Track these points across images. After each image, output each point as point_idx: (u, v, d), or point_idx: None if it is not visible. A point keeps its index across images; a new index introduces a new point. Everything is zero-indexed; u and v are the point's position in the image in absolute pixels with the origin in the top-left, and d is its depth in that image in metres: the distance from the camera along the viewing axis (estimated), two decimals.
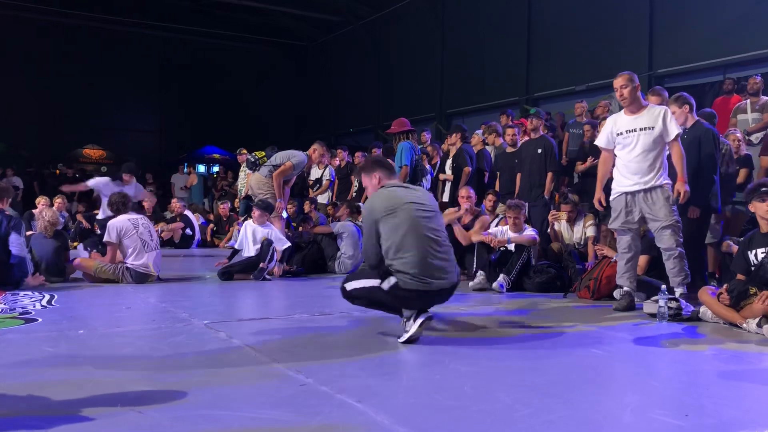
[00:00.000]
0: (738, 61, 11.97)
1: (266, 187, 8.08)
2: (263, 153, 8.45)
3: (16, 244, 5.91)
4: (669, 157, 5.25)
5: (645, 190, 5.16)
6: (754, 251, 4.70)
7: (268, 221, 7.36)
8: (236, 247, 7.24)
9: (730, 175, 6.54)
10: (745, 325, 4.40)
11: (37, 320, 4.50)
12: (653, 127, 5.13)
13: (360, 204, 10.23)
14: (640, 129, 5.17)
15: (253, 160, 8.50)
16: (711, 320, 4.72)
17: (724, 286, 4.73)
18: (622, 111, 5.38)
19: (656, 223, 5.15)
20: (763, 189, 4.74)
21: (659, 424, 2.51)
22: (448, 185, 9.23)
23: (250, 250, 7.17)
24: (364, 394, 2.76)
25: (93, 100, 23.52)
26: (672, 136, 5.14)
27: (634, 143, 5.19)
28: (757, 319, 4.30)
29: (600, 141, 5.54)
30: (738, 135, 7.31)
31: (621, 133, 5.27)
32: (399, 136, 8.03)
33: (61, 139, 22.25)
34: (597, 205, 5.54)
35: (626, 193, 5.26)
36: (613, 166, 5.46)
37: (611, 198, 5.41)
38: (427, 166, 9.08)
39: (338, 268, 7.92)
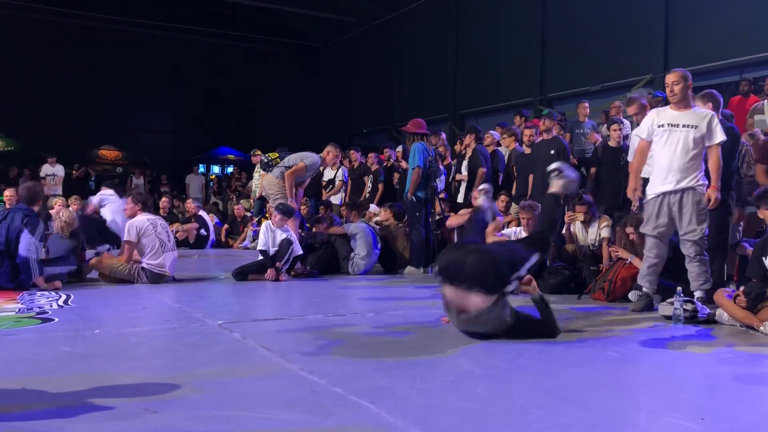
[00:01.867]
0: (754, 61, 11.86)
1: (277, 188, 8.11)
2: (276, 154, 8.45)
3: (24, 243, 5.91)
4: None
5: (678, 191, 5.07)
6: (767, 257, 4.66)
7: (286, 225, 7.35)
8: (262, 248, 7.18)
9: (749, 177, 6.47)
10: (762, 328, 4.35)
11: (54, 320, 4.54)
12: (697, 127, 5.05)
13: (373, 205, 10.27)
14: (683, 126, 5.07)
15: (266, 161, 8.51)
16: (727, 323, 4.68)
17: (741, 288, 4.68)
18: (668, 106, 5.28)
19: (682, 230, 5.09)
20: None
21: (675, 427, 2.49)
22: (462, 186, 9.21)
23: (269, 252, 7.17)
24: (378, 396, 2.76)
25: (108, 100, 23.71)
26: (715, 140, 5.05)
27: (674, 138, 5.09)
28: None
29: (641, 131, 5.40)
30: (761, 136, 7.21)
31: (662, 125, 5.15)
32: (413, 137, 8.04)
33: (78, 140, 22.44)
34: (631, 195, 5.40)
35: (658, 196, 5.15)
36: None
37: (644, 201, 5.32)
38: (441, 167, 9.07)
39: (351, 269, 7.92)
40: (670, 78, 5.17)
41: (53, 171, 15.27)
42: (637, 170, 5.42)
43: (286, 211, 7.34)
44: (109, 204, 10.54)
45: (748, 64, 11.97)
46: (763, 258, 4.67)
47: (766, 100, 8.66)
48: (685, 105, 5.16)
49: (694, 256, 5.07)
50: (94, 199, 10.87)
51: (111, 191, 11.04)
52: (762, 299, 4.46)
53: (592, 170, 8.18)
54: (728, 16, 12.30)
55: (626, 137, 7.88)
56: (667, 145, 5.12)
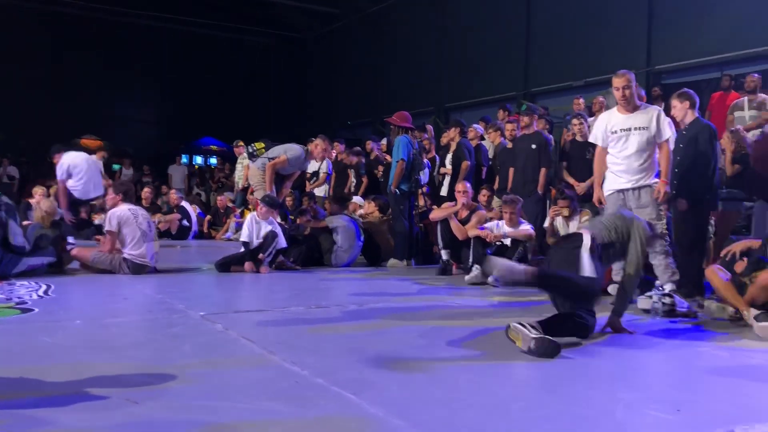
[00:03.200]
0: (736, 58, 11.98)
1: (259, 178, 8.07)
2: (262, 145, 8.37)
3: (20, 232, 5.92)
4: None
5: (635, 188, 5.25)
6: None
7: (272, 216, 7.32)
8: (245, 239, 7.17)
9: (723, 173, 6.56)
10: (745, 312, 4.43)
11: (34, 310, 4.51)
12: (647, 127, 5.21)
13: (357, 197, 10.27)
14: (635, 128, 5.24)
15: (251, 150, 8.45)
16: (715, 313, 4.71)
17: (744, 259, 4.79)
18: (616, 108, 5.43)
19: None
20: None
21: (651, 419, 2.54)
22: (446, 179, 9.24)
23: (253, 244, 7.15)
24: (360, 387, 2.78)
25: (91, 90, 23.39)
26: (664, 137, 5.23)
27: (627, 142, 5.26)
28: (756, 312, 4.33)
29: (596, 138, 5.56)
30: (744, 133, 7.26)
31: (615, 132, 5.32)
32: (398, 129, 8.04)
33: (59, 129, 22.13)
34: (597, 204, 5.59)
35: (618, 191, 5.34)
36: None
37: (606, 197, 5.46)
38: (425, 160, 9.09)
39: (334, 261, 7.93)
40: (618, 82, 5.24)
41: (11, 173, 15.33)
42: (599, 177, 5.57)
43: (271, 203, 7.32)
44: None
45: (729, 61, 12.09)
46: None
47: (746, 97, 8.75)
48: (634, 106, 5.30)
49: (657, 249, 5.18)
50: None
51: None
52: (760, 267, 4.57)
53: (563, 164, 8.25)
54: (711, 14, 12.41)
55: None
56: (623, 149, 5.28)
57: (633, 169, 5.25)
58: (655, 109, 5.33)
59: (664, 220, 5.30)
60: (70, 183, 9.35)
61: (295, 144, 8.35)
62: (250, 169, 8.26)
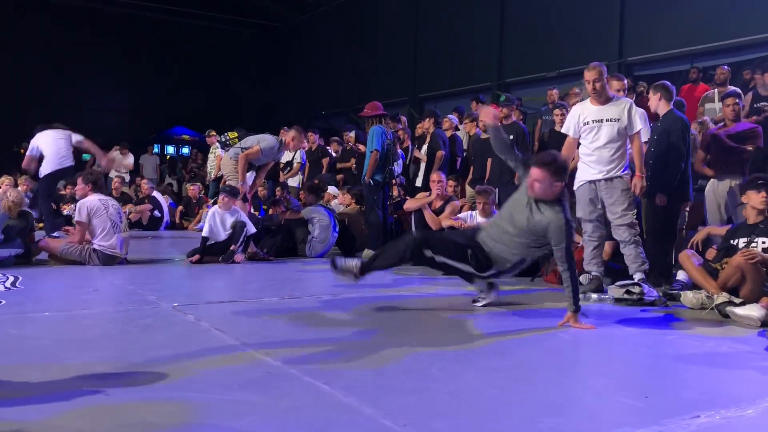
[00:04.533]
0: (706, 50, 12.15)
1: (231, 168, 7.96)
2: (236, 134, 8.24)
3: None
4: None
5: (606, 179, 5.31)
6: (737, 240, 4.92)
7: (234, 206, 7.26)
8: (205, 234, 7.09)
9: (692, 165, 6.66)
10: (716, 296, 4.53)
11: (1, 302, 4.42)
12: (618, 119, 5.27)
13: (332, 187, 10.24)
14: (606, 120, 5.30)
15: (224, 140, 8.33)
16: (692, 301, 4.78)
17: (714, 246, 4.95)
18: (588, 100, 5.49)
19: (613, 216, 5.31)
20: (761, 181, 4.89)
21: (619, 405, 2.58)
22: (421, 170, 9.25)
23: (220, 236, 7.07)
24: (332, 377, 2.78)
25: (60, 77, 22.96)
26: (635, 129, 5.30)
27: (599, 133, 5.32)
28: (725, 298, 4.43)
29: (567, 129, 5.61)
30: (710, 124, 7.40)
31: (588, 123, 5.38)
32: (371, 120, 8.01)
33: (27, 118, 21.69)
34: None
35: (589, 182, 5.40)
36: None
37: (575, 187, 5.54)
38: (399, 151, 9.08)
39: (309, 252, 7.90)
40: (590, 75, 5.30)
41: None
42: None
43: (231, 192, 7.24)
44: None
45: (700, 54, 12.26)
46: (732, 241, 4.94)
47: (716, 89, 8.87)
48: (606, 98, 5.36)
49: (628, 239, 5.28)
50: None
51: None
52: (729, 253, 4.75)
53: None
54: (682, 7, 12.56)
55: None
56: (594, 140, 5.35)
57: (604, 160, 5.31)
58: (627, 101, 5.40)
59: (635, 210, 5.37)
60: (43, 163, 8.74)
61: (268, 134, 8.28)
62: (223, 159, 8.13)
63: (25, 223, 6.61)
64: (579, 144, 5.52)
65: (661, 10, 12.94)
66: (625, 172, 5.33)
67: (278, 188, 10.74)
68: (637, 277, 5.19)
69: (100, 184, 6.92)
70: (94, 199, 6.58)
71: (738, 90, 7.26)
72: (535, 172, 4.21)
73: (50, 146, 8.63)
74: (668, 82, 6.16)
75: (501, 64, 16.52)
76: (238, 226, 7.00)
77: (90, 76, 23.95)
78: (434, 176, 7.66)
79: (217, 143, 12.92)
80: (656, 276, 5.50)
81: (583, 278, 5.64)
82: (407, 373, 2.92)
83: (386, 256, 4.55)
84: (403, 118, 11.08)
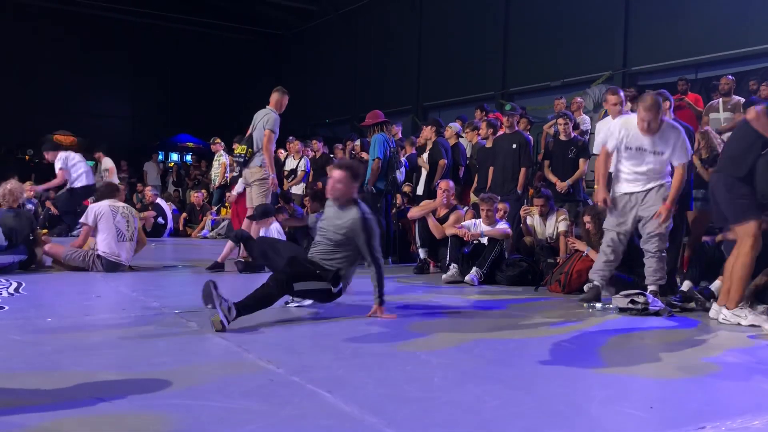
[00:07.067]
0: (710, 60, 12.16)
1: (259, 175, 7.35)
2: (245, 147, 7.92)
3: None
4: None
5: (646, 191, 5.21)
6: None
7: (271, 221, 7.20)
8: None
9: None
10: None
11: (4, 308, 4.43)
12: (664, 152, 5.13)
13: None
14: (652, 152, 5.14)
15: (241, 159, 7.90)
16: (721, 320, 4.67)
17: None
18: (634, 118, 5.19)
19: (647, 226, 5.19)
20: None
21: (624, 416, 2.56)
22: (423, 178, 9.22)
23: None
24: (335, 385, 2.77)
25: (66, 85, 23.10)
26: (679, 162, 5.15)
27: (642, 161, 5.17)
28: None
29: (608, 143, 5.32)
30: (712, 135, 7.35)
31: (631, 148, 5.17)
32: (373, 128, 8.01)
33: (33, 125, 21.81)
34: (603, 205, 5.42)
35: (627, 194, 5.27)
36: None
37: (612, 197, 5.37)
38: (402, 159, 9.08)
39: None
40: (645, 115, 4.99)
41: None
42: (604, 178, 5.37)
43: (264, 214, 7.11)
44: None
45: (704, 63, 12.27)
46: None
47: (720, 99, 8.86)
48: (655, 129, 5.11)
49: (654, 251, 5.19)
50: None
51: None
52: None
53: (546, 163, 8.31)
54: (686, 17, 12.59)
55: (585, 132, 7.99)
56: (636, 166, 5.20)
57: (643, 180, 5.20)
58: (676, 132, 5.15)
59: (669, 223, 5.21)
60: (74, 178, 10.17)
61: (259, 112, 8.09)
62: (251, 168, 7.66)
63: (28, 229, 6.60)
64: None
65: (665, 19, 12.97)
66: (665, 181, 5.20)
67: (280, 197, 10.70)
68: (651, 289, 5.15)
69: (117, 192, 6.99)
70: (104, 205, 6.60)
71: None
72: (336, 173, 4.50)
73: (83, 163, 10.15)
74: (666, 91, 6.14)
75: (505, 73, 16.55)
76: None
77: (97, 84, 24.08)
78: (443, 184, 7.64)
79: (221, 151, 12.96)
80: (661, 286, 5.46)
81: (586, 287, 5.62)
82: (410, 382, 2.91)
83: (258, 301, 4.24)
84: (396, 127, 10.96)
